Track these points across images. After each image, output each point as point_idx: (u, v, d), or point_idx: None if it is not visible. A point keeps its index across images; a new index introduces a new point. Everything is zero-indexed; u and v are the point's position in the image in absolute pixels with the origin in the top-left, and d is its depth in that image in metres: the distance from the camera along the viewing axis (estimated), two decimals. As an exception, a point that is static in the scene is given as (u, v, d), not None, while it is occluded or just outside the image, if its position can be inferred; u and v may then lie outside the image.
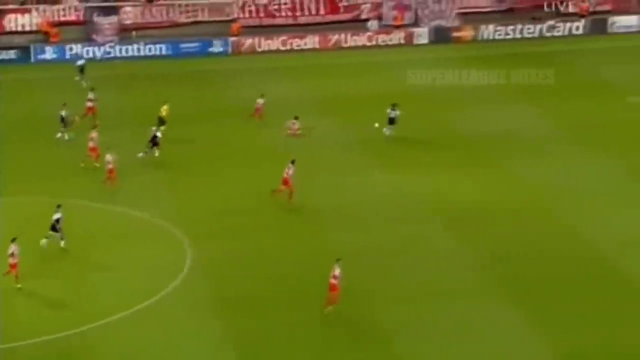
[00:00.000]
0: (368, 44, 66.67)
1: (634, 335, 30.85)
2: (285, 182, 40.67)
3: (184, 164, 44.97)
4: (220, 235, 37.87)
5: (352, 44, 66.40)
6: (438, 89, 55.81)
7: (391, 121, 48.05)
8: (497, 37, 67.92)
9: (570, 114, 51.58)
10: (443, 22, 69.04)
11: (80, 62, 58.54)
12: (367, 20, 68.53)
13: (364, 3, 68.68)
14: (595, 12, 70.39)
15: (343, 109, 53.14)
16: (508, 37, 67.89)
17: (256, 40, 65.28)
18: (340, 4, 68.23)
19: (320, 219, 39.34)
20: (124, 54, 63.72)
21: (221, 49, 64.66)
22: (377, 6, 68.67)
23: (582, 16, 69.71)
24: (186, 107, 52.39)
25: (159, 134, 45.48)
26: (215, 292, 33.59)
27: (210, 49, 64.54)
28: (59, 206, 36.99)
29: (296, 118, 47.61)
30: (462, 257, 36.31)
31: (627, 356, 29.96)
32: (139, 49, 64.01)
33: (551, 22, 68.94)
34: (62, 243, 36.67)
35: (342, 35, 66.39)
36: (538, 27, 68.65)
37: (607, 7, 71.07)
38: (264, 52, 64.77)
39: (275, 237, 37.51)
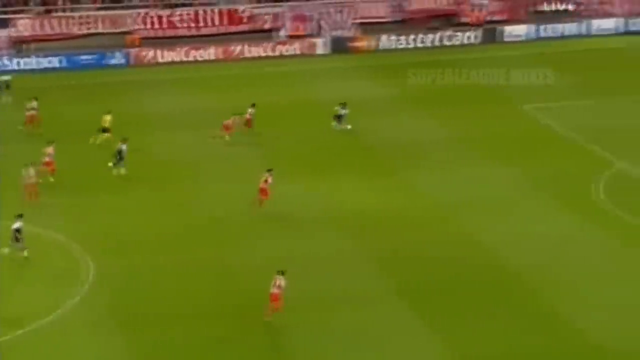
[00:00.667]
0: (271, 54, 67.36)
1: (532, 341, 31.51)
2: (263, 191, 41.08)
3: (84, 180, 44.53)
4: (123, 251, 37.71)
5: (255, 54, 67.05)
6: (333, 100, 56.92)
7: (339, 118, 50.81)
8: (395, 46, 69.27)
9: (466, 122, 52.36)
10: (343, 33, 70.20)
11: (5, 78, 57.65)
12: (269, 31, 69.11)
13: (266, 14, 69.41)
14: (490, 22, 72.30)
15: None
16: (406, 46, 69.31)
17: (157, 51, 65.28)
18: (242, 15, 68.84)
19: (220, 232, 39.28)
20: (19, 66, 62.64)
21: (120, 61, 64.28)
22: (279, 17, 69.46)
23: (477, 25, 71.52)
24: (81, 121, 51.98)
25: (124, 147, 45.05)
26: (118, 307, 33.42)
27: (108, 61, 63.86)
28: (19, 216, 36.78)
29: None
30: (362, 264, 36.75)
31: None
32: (35, 62, 63.10)
33: (447, 32, 70.64)
34: (24, 252, 36.48)
35: (244, 46, 67.02)
36: (435, 36, 70.30)
37: (500, 17, 72.98)
38: (165, 63, 64.78)
39: (175, 253, 37.62)
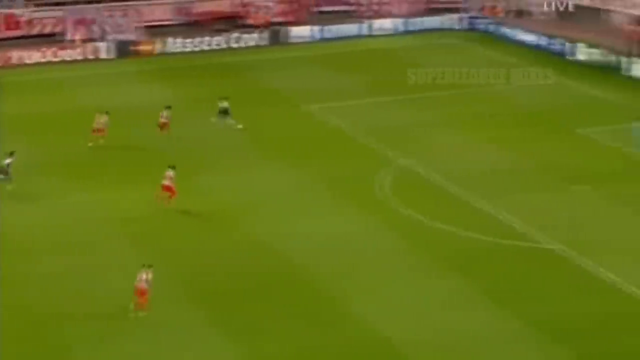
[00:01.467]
0: (52, 60, 65.34)
1: (325, 339, 31.42)
2: (168, 189, 40.78)
3: None
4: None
5: (35, 60, 64.86)
6: (128, 104, 55.74)
7: (224, 111, 50.97)
8: (181, 49, 68.46)
9: (255, 124, 51.76)
10: (127, 36, 68.87)
11: None
12: (50, 35, 67.13)
13: (47, 18, 67.32)
14: (275, 24, 72.68)
15: (31, 128, 51.53)
16: (191, 49, 68.72)
17: None
18: (20, 19, 66.43)
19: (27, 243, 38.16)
20: None
21: None
22: (60, 21, 67.48)
23: (263, 27, 71.70)
24: None
25: (8, 161, 43.08)
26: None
27: None
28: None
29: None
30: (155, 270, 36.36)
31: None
32: None
33: (233, 34, 70.50)
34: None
35: (23, 52, 64.71)
36: (221, 38, 69.92)
37: (285, 19, 73.48)
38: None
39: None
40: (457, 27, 73.47)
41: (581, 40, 64.81)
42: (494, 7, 74.72)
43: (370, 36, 72.21)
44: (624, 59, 60.90)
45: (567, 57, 64.44)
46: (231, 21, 71.79)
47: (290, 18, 73.04)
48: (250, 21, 72.02)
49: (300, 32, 71.46)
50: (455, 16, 73.86)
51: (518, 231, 38.99)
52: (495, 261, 36.69)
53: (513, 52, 66.33)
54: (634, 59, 60.56)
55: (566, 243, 37.56)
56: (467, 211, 41.10)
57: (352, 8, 74.96)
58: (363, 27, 72.70)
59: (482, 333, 31.79)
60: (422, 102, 56.55)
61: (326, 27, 72.00)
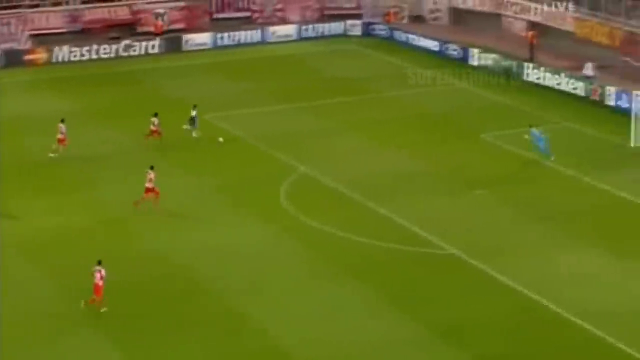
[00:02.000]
0: None
1: (227, 350, 31.92)
2: (150, 190, 41.71)
3: None
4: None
5: None
6: (17, 114, 55.41)
7: (192, 120, 51.83)
8: (72, 58, 67.86)
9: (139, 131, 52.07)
10: (15, 45, 68.25)
11: None
12: None
13: None
14: (170, 31, 72.79)
15: None
16: (84, 58, 68.13)
17: None
18: None
19: None
20: None
21: None
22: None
23: (157, 34, 71.77)
24: None
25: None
26: None
27: None
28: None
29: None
30: (44, 289, 36.02)
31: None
32: None
33: (127, 41, 70.34)
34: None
35: None
36: (114, 46, 69.63)
37: (181, 26, 73.59)
38: None
39: None
40: (355, 33, 74.67)
41: (478, 46, 66.59)
42: (392, 13, 76.11)
43: (268, 43, 72.85)
44: (520, 64, 62.79)
45: (466, 62, 66.13)
46: (125, 28, 71.65)
47: (186, 25, 73.23)
48: (145, 28, 71.98)
49: (198, 39, 71.78)
50: (352, 22, 75.03)
51: (419, 236, 40.03)
52: (396, 267, 37.66)
53: (412, 58, 67.67)
54: (529, 64, 62.52)
55: (464, 247, 38.74)
56: (369, 217, 42.03)
57: (249, 14, 75.57)
58: (261, 34, 73.37)
59: (384, 338, 32.66)
60: (323, 109, 57.40)
61: (223, 34, 72.45)
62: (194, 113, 51.97)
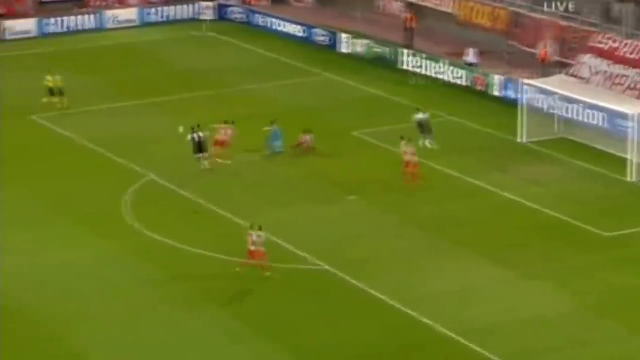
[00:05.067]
0: None
1: None
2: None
3: None
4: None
5: None
6: None
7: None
8: None
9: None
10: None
11: None
12: None
13: None
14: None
15: None
16: None
17: None
18: None
19: None
20: None
21: None
22: None
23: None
24: None
25: None
26: None
27: None
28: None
29: None
30: None
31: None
32: None
33: None
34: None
35: None
36: None
37: (-1, 11, 72.72)
38: None
39: None
40: (207, 17, 74.65)
41: (349, 31, 67.40)
42: (251, -7, 76.39)
43: (106, 29, 72.46)
44: (395, 50, 63.71)
45: (334, 49, 66.92)
46: None
47: (6, 10, 72.26)
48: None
49: (20, 26, 70.90)
50: (205, 4, 75.01)
51: (286, 251, 40.47)
52: (260, 288, 37.95)
53: (274, 45, 68.07)
54: (406, 50, 63.37)
55: (335, 262, 39.29)
56: (224, 232, 42.26)
57: (82, -3, 74.90)
58: (97, 19, 72.85)
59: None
60: (172, 105, 57.38)
61: (51, 20, 71.68)
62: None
